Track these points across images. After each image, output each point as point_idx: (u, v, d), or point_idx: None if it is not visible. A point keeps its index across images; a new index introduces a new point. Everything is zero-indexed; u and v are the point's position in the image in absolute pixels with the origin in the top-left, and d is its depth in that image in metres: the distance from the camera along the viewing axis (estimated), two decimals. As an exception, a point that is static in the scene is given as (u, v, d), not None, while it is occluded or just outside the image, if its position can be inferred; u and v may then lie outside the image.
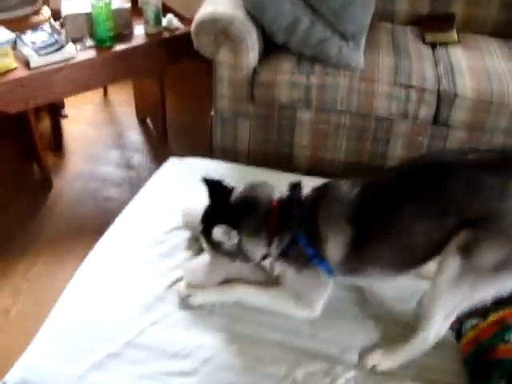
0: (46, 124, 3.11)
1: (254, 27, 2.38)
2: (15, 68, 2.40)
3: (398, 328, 1.65)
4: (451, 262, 1.45)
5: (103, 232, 2.43)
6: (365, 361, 1.55)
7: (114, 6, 2.58)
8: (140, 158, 3.04)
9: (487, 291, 1.48)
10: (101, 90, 3.45)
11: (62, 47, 2.43)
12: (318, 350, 1.60)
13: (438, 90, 2.36)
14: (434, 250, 1.53)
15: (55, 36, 2.49)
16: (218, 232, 1.59)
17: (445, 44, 2.64)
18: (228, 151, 2.62)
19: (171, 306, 1.70)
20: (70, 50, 2.47)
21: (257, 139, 2.59)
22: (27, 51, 2.41)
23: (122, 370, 1.52)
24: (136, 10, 2.79)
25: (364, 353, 1.57)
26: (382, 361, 1.54)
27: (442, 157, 1.69)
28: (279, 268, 1.70)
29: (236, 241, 1.60)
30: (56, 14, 2.75)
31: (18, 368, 1.55)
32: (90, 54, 2.55)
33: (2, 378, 1.85)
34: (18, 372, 1.54)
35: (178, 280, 1.75)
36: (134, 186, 2.75)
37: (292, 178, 1.81)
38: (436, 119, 2.40)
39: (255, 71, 2.42)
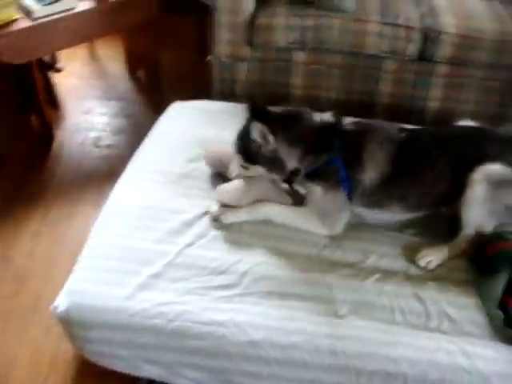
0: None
1: (248, -27, 2.50)
2: (17, 19, 2.41)
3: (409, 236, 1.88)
4: (479, 187, 1.72)
5: (111, 176, 2.53)
6: (419, 261, 1.76)
7: (108, -46, 2.62)
8: (135, 107, 3.11)
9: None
10: (86, 46, 3.46)
11: (63, -3, 2.47)
12: (345, 259, 1.79)
13: (424, 28, 2.54)
14: (449, 197, 1.81)
15: (52, -14, 2.52)
16: (256, 129, 1.75)
17: (422, -14, 2.82)
18: (226, 94, 2.71)
19: (202, 229, 1.83)
20: (72, 0, 2.51)
21: (254, 82, 2.70)
22: (28, 2, 2.43)
23: (167, 287, 1.66)
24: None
25: (410, 255, 1.79)
26: (434, 258, 1.76)
27: (485, 129, 1.96)
28: (307, 187, 1.87)
29: (272, 143, 1.76)
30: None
31: (66, 294, 1.65)
32: (89, 4, 2.59)
33: (38, 312, 2.01)
34: (67, 297, 1.64)
35: (207, 211, 1.87)
36: (134, 133, 2.86)
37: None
38: (422, 56, 2.58)
39: (253, 16, 2.53)
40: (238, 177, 1.88)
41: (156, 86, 3.19)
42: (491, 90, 2.67)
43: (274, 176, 1.86)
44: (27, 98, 2.80)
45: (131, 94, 3.23)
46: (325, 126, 1.84)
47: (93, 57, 3.49)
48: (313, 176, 1.84)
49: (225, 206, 1.86)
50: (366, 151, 1.81)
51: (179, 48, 3.44)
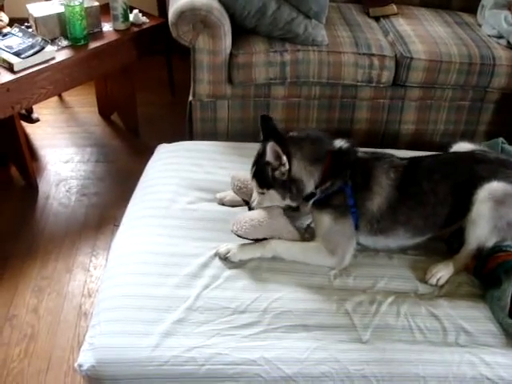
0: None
1: (226, 14, 2.57)
2: (-3, 73, 2.42)
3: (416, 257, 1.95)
4: (484, 205, 1.79)
5: (103, 223, 2.57)
6: (430, 280, 1.83)
7: (85, 4, 2.64)
8: (116, 152, 3.11)
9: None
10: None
11: (42, 49, 2.47)
12: (357, 285, 1.84)
13: (396, 56, 2.69)
14: (453, 219, 1.89)
15: (30, 39, 2.52)
16: (270, 148, 1.74)
17: (386, 16, 2.99)
18: (207, 134, 2.78)
19: (215, 270, 1.83)
20: (50, 50, 2.52)
21: (235, 119, 2.78)
22: (7, 56, 2.43)
23: (192, 331, 1.65)
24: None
25: (418, 275, 1.86)
26: (443, 274, 1.83)
27: (474, 153, 2.04)
28: (316, 216, 1.90)
29: (285, 164, 1.77)
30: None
31: (89, 350, 1.61)
32: (67, 53, 2.61)
33: (51, 371, 1.98)
34: (91, 353, 1.59)
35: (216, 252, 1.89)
36: (119, 178, 2.88)
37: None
38: (395, 82, 2.73)
39: (231, 55, 2.60)
40: (257, 205, 1.90)
41: (132, 129, 3.20)
42: (460, 110, 2.85)
43: (288, 201, 1.87)
44: (7, 151, 2.77)
45: (109, 139, 3.22)
46: (340, 152, 1.88)
47: (64, 104, 3.47)
48: (321, 204, 1.87)
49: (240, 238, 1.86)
50: (374, 179, 1.86)
51: (150, 90, 3.48)
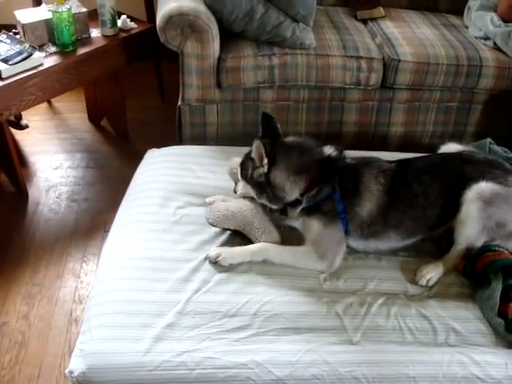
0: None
1: (214, 18, 2.58)
2: (-16, 81, 2.41)
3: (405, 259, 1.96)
4: (473, 206, 1.81)
5: (94, 229, 2.57)
6: (420, 281, 1.84)
7: (72, 10, 2.63)
8: (105, 157, 3.11)
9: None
10: (43, 100, 3.41)
11: (30, 55, 2.46)
12: (347, 287, 1.84)
13: (383, 58, 2.71)
14: (443, 220, 1.90)
15: (18, 45, 2.51)
16: (255, 146, 1.79)
17: (374, 19, 3.02)
18: (197, 138, 2.78)
19: (205, 274, 1.83)
20: (38, 57, 2.51)
21: (224, 123, 2.78)
22: (-4, 62, 2.44)
23: (183, 336, 1.65)
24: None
25: (408, 276, 1.87)
26: (433, 274, 1.84)
27: (462, 154, 2.06)
28: (305, 221, 1.91)
29: (264, 167, 1.81)
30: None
31: (80, 356, 1.60)
32: (56, 59, 2.61)
33: (42, 378, 1.98)
34: (82, 359, 1.59)
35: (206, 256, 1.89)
36: (109, 184, 2.88)
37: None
38: (383, 84, 2.75)
39: (220, 59, 2.61)
40: (239, 191, 1.96)
41: (122, 134, 3.20)
42: (448, 111, 2.87)
43: (264, 202, 1.90)
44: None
45: (98, 144, 3.22)
46: (329, 160, 1.89)
47: (53, 110, 3.47)
48: (310, 210, 1.88)
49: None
50: (363, 185, 1.87)
51: (140, 95, 3.48)
